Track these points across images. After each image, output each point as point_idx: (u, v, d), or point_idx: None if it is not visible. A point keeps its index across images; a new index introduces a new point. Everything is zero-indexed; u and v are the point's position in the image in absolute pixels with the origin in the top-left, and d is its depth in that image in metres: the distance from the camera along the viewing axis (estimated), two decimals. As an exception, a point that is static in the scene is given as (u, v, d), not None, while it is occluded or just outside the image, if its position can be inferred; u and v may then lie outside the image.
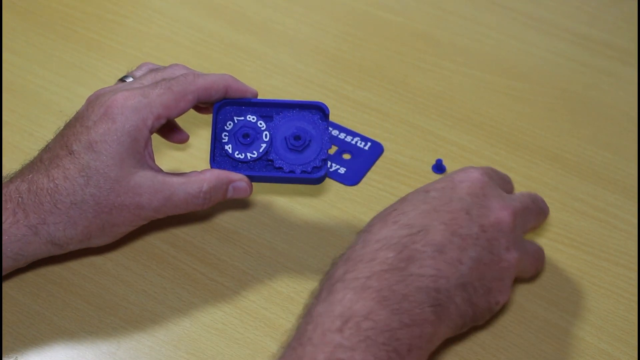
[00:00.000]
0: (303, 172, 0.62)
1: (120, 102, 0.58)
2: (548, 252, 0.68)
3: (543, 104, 0.80)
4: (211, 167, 0.62)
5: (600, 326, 0.64)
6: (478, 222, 0.55)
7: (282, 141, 0.62)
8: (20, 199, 0.57)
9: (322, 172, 0.62)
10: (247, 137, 0.62)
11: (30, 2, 0.86)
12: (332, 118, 0.76)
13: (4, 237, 0.56)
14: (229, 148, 0.62)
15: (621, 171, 0.74)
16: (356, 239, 0.55)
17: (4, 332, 0.61)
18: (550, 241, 0.69)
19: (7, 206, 0.57)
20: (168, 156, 0.72)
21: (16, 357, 0.60)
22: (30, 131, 0.74)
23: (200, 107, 0.65)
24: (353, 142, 0.74)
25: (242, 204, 0.70)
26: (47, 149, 0.59)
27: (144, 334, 0.62)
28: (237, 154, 0.62)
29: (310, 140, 0.62)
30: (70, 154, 0.57)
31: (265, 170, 0.62)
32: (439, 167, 0.73)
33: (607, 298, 0.66)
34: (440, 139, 0.76)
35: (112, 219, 0.58)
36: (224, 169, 0.62)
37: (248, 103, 0.63)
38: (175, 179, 0.59)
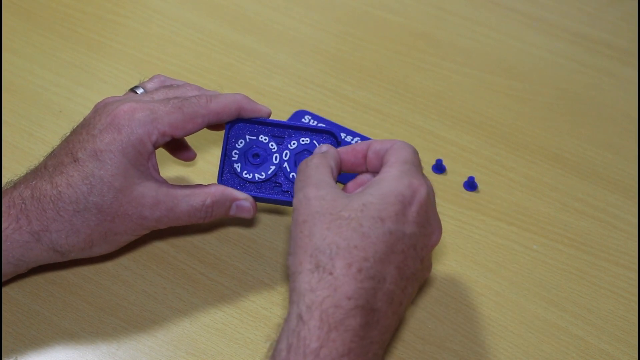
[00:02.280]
0: None
1: (128, 113, 0.57)
2: (548, 252, 0.69)
3: (543, 104, 0.80)
4: (218, 184, 0.61)
5: (600, 326, 0.64)
6: (420, 255, 0.55)
7: (292, 164, 0.62)
8: (23, 205, 0.57)
9: None
10: (257, 157, 0.62)
11: (30, 2, 0.86)
12: (332, 118, 0.76)
13: (6, 243, 0.56)
14: (237, 167, 0.62)
15: (621, 171, 0.75)
16: (321, 277, 0.51)
17: (4, 332, 0.61)
18: (550, 241, 0.69)
19: (10, 212, 0.56)
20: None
21: (16, 357, 0.60)
22: (30, 131, 0.74)
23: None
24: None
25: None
26: (52, 155, 0.59)
27: (144, 334, 0.62)
28: (245, 174, 0.62)
29: None
30: (75, 161, 0.57)
31: (273, 193, 0.62)
32: (439, 167, 0.73)
33: (607, 298, 0.66)
34: (440, 139, 0.76)
35: (115, 227, 0.58)
36: (231, 186, 0.61)
37: (261, 122, 0.62)
38: (179, 191, 0.59)
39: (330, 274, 0.50)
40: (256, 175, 0.62)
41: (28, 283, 0.63)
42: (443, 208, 0.71)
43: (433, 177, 0.73)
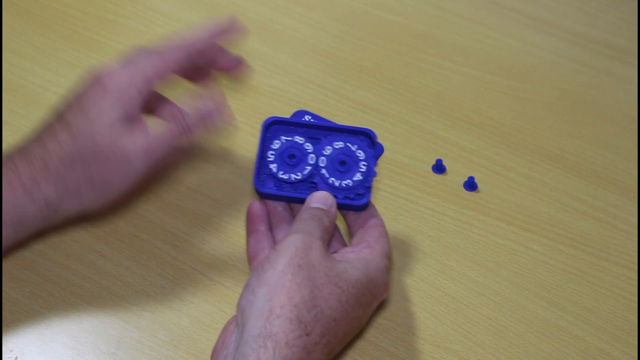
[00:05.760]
0: (346, 197, 0.61)
1: (109, 69, 0.59)
2: (548, 252, 0.69)
3: (543, 104, 0.80)
4: (255, 185, 0.61)
5: (600, 326, 0.64)
6: (368, 312, 0.58)
7: (328, 165, 0.62)
8: (15, 167, 0.58)
9: (365, 200, 0.61)
10: (292, 158, 0.62)
11: (30, 2, 0.86)
12: (332, 118, 0.76)
13: (3, 205, 0.57)
14: (273, 167, 0.62)
15: (621, 171, 0.74)
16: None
17: (4, 332, 0.61)
18: (550, 241, 0.69)
19: (5, 178, 0.57)
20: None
21: (16, 357, 0.60)
22: (30, 131, 0.74)
23: (194, 75, 0.65)
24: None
25: (242, 204, 0.70)
26: (43, 122, 0.61)
27: (144, 334, 0.62)
28: (282, 174, 0.62)
29: (354, 166, 0.62)
30: (62, 120, 0.59)
31: (309, 193, 0.61)
32: (439, 167, 0.73)
33: (607, 298, 0.66)
34: (440, 139, 0.76)
35: (101, 172, 0.58)
36: (267, 188, 0.62)
37: (297, 124, 0.63)
38: (160, 128, 0.59)
39: (308, 335, 0.51)
40: (292, 175, 0.62)
41: (28, 283, 0.63)
42: (443, 208, 0.71)
43: (433, 177, 0.73)
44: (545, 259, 0.68)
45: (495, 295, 0.66)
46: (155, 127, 0.60)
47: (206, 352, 0.61)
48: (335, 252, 0.59)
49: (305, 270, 0.53)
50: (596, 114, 0.79)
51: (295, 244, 0.54)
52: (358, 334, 0.62)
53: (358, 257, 0.57)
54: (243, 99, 0.75)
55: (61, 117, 0.59)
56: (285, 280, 0.52)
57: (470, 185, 0.72)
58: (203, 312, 0.63)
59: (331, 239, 0.61)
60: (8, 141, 0.73)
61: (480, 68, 0.83)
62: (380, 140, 0.75)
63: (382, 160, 0.74)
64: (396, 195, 0.72)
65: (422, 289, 0.66)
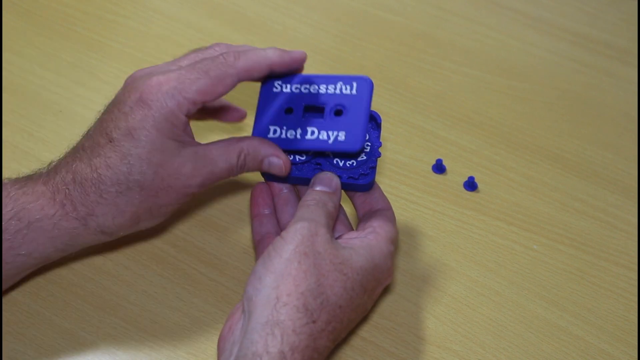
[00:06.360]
0: (350, 177, 0.61)
1: (155, 87, 0.57)
2: (548, 252, 0.69)
3: (543, 104, 0.80)
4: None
5: (600, 326, 0.64)
6: (372, 297, 0.58)
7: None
8: (67, 190, 0.57)
9: (369, 179, 0.61)
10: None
11: (30, 2, 0.86)
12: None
13: (54, 231, 0.57)
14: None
15: (621, 171, 0.75)
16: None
17: (4, 332, 0.61)
18: (550, 241, 0.69)
19: (55, 199, 0.57)
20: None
21: (16, 357, 0.60)
22: (30, 131, 0.74)
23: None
24: (337, 90, 0.60)
25: (242, 204, 0.70)
26: (88, 135, 0.59)
27: (144, 334, 0.62)
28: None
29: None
30: (111, 141, 0.56)
31: (313, 174, 0.61)
32: (439, 167, 0.73)
33: (607, 298, 0.66)
34: (440, 139, 0.76)
35: (159, 200, 0.58)
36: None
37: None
38: (214, 151, 0.58)
39: (314, 322, 0.52)
40: (297, 157, 0.62)
41: (28, 283, 0.63)
42: (443, 208, 0.71)
43: (433, 177, 0.73)
44: (545, 259, 0.68)
45: (495, 295, 0.66)
46: (213, 152, 0.58)
47: (206, 352, 0.61)
48: (340, 236, 0.59)
49: (311, 258, 0.53)
50: (596, 114, 0.80)
51: (302, 231, 0.54)
52: (362, 320, 0.62)
53: (362, 243, 0.57)
54: (243, 99, 0.75)
55: (106, 133, 0.57)
56: (291, 268, 0.53)
57: (470, 185, 0.72)
58: (203, 312, 0.63)
59: (336, 222, 0.61)
60: (8, 141, 0.73)
61: (480, 68, 0.83)
62: (380, 140, 0.75)
63: (382, 160, 0.74)
64: (396, 195, 0.72)
65: (422, 288, 0.66)
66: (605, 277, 0.67)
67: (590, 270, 0.68)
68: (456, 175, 0.73)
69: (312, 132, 0.59)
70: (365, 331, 0.63)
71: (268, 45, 0.84)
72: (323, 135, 0.59)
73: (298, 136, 0.59)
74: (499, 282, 0.66)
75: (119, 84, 0.62)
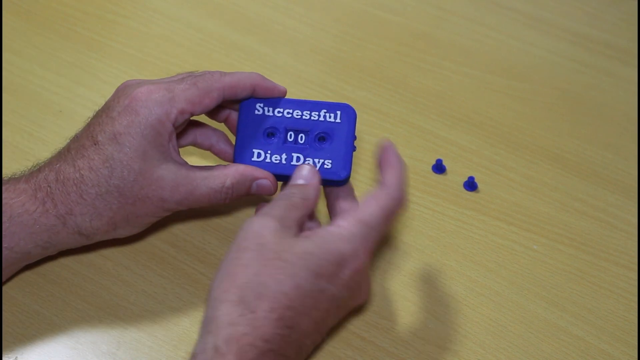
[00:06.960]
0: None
1: (145, 94, 0.58)
2: (548, 252, 0.69)
3: (543, 104, 0.80)
4: (237, 162, 0.61)
5: (600, 326, 0.64)
6: (341, 314, 0.57)
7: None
8: (48, 188, 0.57)
9: (345, 174, 0.60)
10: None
11: (30, 2, 0.86)
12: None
13: (35, 227, 0.57)
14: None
15: (621, 171, 0.74)
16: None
17: (4, 332, 0.61)
18: (550, 241, 0.69)
19: (37, 195, 0.57)
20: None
21: (16, 357, 0.60)
22: (30, 131, 0.74)
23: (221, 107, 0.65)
24: (321, 118, 0.62)
25: (242, 204, 0.70)
26: (75, 138, 0.60)
27: (144, 334, 0.62)
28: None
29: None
30: (95, 144, 0.57)
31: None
32: (439, 167, 0.73)
33: (607, 298, 0.66)
34: (440, 139, 0.76)
35: (136, 210, 0.58)
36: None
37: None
38: (198, 173, 0.59)
39: (252, 312, 0.51)
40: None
41: (28, 283, 0.63)
42: (443, 208, 0.71)
43: (433, 177, 0.73)
44: (545, 259, 0.68)
45: (495, 295, 0.66)
46: (196, 174, 0.59)
47: (206, 352, 0.61)
48: (311, 229, 0.59)
49: (253, 251, 0.53)
50: (596, 114, 0.79)
51: (248, 228, 0.55)
52: (359, 310, 0.62)
53: (321, 231, 0.56)
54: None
55: (92, 136, 0.58)
56: (232, 265, 0.53)
57: (470, 185, 0.72)
58: (203, 312, 0.63)
59: (309, 213, 0.59)
60: (8, 141, 0.73)
61: (480, 68, 0.83)
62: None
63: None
64: (396, 195, 0.71)
65: (422, 288, 0.66)
66: (605, 277, 0.67)
67: (590, 270, 0.67)
68: (456, 175, 0.73)
69: (298, 158, 0.61)
70: (365, 331, 0.63)
71: (268, 46, 0.85)
72: (309, 162, 0.61)
73: (283, 161, 0.61)
74: (499, 282, 0.66)
75: (119, 84, 0.62)
